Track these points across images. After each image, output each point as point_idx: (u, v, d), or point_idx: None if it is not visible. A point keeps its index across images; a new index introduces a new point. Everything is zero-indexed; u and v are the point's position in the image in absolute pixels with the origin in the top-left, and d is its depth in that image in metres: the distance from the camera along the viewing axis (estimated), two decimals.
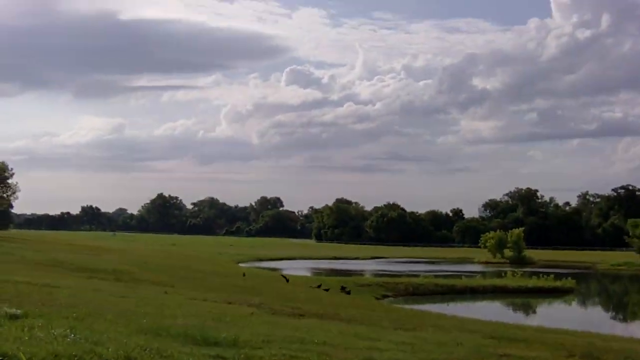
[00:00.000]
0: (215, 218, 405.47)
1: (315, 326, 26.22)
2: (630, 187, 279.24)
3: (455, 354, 20.89)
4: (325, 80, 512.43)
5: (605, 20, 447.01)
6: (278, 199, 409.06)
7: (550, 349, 25.02)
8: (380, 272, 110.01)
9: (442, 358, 19.62)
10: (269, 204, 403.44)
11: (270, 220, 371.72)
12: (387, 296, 71.27)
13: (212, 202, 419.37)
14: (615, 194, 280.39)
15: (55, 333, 15.14)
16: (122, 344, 14.54)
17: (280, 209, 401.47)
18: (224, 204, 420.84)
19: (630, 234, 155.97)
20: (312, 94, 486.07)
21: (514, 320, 46.52)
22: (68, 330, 15.47)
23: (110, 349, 13.84)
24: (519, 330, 35.09)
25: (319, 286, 65.48)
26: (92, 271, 48.26)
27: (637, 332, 51.47)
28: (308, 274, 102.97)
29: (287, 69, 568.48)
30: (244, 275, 69.87)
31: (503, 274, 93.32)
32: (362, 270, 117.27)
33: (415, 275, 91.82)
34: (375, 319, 33.93)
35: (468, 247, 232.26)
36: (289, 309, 33.10)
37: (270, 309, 32.19)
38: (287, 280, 68.76)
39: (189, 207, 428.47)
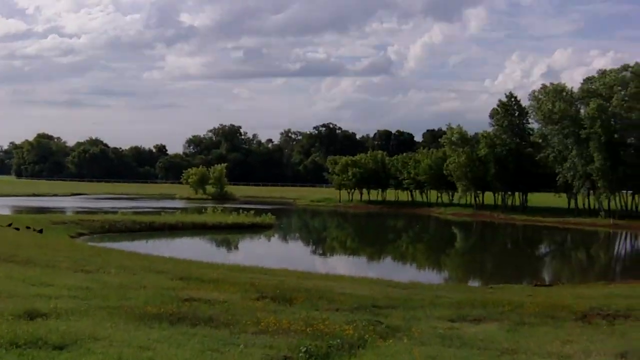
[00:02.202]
0: None
1: None
2: (331, 125, 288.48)
3: (134, 300, 18.98)
4: (30, 11, 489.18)
5: None
6: None
7: (240, 290, 23.67)
8: (79, 209, 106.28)
9: (117, 305, 17.60)
10: None
11: None
12: (83, 234, 67.79)
13: None
14: (316, 131, 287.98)
15: None
16: None
17: None
18: None
19: (330, 170, 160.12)
20: (16, 24, 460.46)
21: (210, 259, 45.27)
22: None
23: None
24: (211, 270, 33.78)
25: (9, 225, 61.63)
26: None
27: (336, 267, 51.92)
28: (6, 212, 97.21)
29: None
30: None
31: (203, 210, 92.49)
32: (62, 208, 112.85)
33: (113, 212, 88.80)
34: (57, 260, 31.41)
35: (171, 183, 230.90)
36: None
37: None
38: None
39: None
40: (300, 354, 13.19)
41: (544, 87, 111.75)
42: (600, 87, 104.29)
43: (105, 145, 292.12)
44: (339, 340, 14.43)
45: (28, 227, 61.53)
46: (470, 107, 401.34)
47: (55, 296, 18.73)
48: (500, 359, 14.03)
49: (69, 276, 24.83)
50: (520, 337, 16.74)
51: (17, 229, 59.58)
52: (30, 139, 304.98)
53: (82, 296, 19.36)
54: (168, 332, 14.36)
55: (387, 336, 15.75)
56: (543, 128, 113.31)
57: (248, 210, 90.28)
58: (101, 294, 20.17)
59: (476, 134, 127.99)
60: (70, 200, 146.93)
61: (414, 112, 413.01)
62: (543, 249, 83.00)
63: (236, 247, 71.56)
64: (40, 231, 60.15)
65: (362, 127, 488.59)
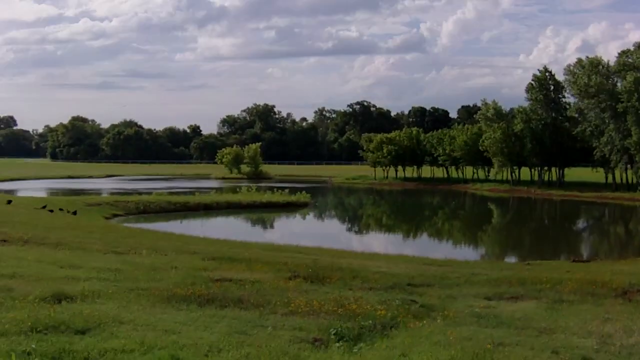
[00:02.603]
0: None
1: (13, 254, 23.36)
2: (365, 103, 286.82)
3: (164, 281, 18.68)
4: None
5: None
6: (11, 117, 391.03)
7: (273, 269, 23.33)
8: (114, 191, 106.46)
9: (146, 287, 17.30)
10: (2, 124, 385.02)
11: (3, 140, 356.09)
12: (118, 215, 67.81)
13: None
14: (350, 109, 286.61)
15: None
16: None
17: (14, 128, 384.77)
18: None
19: (365, 148, 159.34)
20: (47, 9, 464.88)
21: (245, 238, 44.90)
22: None
23: None
24: (244, 249, 33.47)
25: (43, 207, 61.89)
26: None
27: (372, 245, 51.56)
28: (41, 194, 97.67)
29: None
30: None
31: (238, 190, 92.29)
32: (96, 189, 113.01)
33: (148, 193, 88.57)
34: (89, 242, 31.23)
35: (206, 163, 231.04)
36: None
37: None
38: (9, 202, 64.61)
39: None
40: (331, 336, 12.83)
41: (579, 61, 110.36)
42: (636, 60, 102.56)
43: (140, 126, 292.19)
44: (370, 321, 14.05)
45: (62, 209, 61.70)
46: (505, 83, 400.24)
47: (83, 278, 18.49)
48: (539, 340, 13.53)
49: (99, 258, 24.62)
50: (559, 315, 16.24)
51: (51, 211, 59.81)
52: (64, 122, 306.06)
53: (111, 278, 19.10)
54: (196, 314, 14.07)
55: (422, 316, 15.36)
56: (579, 102, 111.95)
57: (283, 188, 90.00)
58: (131, 275, 19.91)
59: (512, 109, 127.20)
60: (105, 181, 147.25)
61: (447, 88, 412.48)
62: (581, 224, 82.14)
63: (271, 226, 71.25)
64: (74, 213, 60.30)
65: (396, 104, 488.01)
